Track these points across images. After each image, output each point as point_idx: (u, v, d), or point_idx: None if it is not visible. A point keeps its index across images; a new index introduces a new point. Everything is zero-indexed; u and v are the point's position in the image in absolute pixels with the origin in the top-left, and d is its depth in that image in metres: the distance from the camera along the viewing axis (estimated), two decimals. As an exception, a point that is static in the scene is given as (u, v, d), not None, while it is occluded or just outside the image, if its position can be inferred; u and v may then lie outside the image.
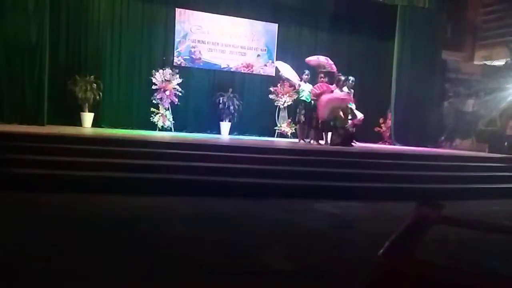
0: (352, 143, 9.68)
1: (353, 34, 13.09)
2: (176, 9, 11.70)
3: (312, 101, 9.62)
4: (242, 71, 12.46)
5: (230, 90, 11.71)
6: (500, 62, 13.38)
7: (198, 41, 11.97)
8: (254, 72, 12.52)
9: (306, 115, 9.71)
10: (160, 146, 7.28)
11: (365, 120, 10.75)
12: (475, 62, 13.93)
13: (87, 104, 10.52)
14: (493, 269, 3.30)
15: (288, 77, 10.47)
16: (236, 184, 6.07)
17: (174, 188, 5.69)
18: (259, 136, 11.74)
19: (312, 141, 10.08)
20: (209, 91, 11.66)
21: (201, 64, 11.79)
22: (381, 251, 1.44)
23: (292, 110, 10.77)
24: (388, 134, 12.59)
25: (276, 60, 12.46)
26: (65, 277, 2.75)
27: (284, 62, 12.28)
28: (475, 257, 3.72)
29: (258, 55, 12.61)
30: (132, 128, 10.83)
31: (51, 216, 4.27)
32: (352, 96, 9.95)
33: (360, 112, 10.25)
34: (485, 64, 13.69)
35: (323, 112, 9.17)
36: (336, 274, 3.13)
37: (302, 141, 10.12)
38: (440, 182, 7.43)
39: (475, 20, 14.04)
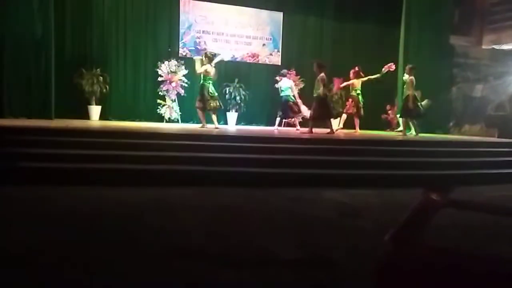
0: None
1: (359, 21, 12.95)
2: (180, -1, 11.67)
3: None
4: (248, 61, 12.42)
5: (236, 80, 11.68)
6: (509, 46, 13.18)
7: (203, 31, 11.93)
8: (259, 62, 12.48)
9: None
10: (168, 137, 7.29)
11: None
12: (484, 47, 13.73)
13: (94, 97, 10.57)
14: (501, 253, 3.29)
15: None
16: (243, 173, 6.07)
17: (182, 179, 5.71)
18: (266, 125, 11.71)
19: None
20: (215, 81, 11.62)
21: (207, 54, 11.75)
22: (389, 236, 1.44)
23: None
24: (395, 121, 12.50)
25: (282, 48, 12.43)
26: (75, 270, 2.78)
27: (290, 51, 12.28)
28: (482, 241, 3.70)
29: (264, 45, 12.55)
30: (139, 120, 10.86)
31: (59, 209, 4.31)
32: None
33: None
34: (493, 48, 13.51)
35: None
36: (345, 261, 3.13)
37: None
38: (449, 168, 7.39)
39: (483, 4, 13.82)
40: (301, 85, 11.46)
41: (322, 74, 9.10)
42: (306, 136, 8.60)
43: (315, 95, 9.18)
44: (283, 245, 3.43)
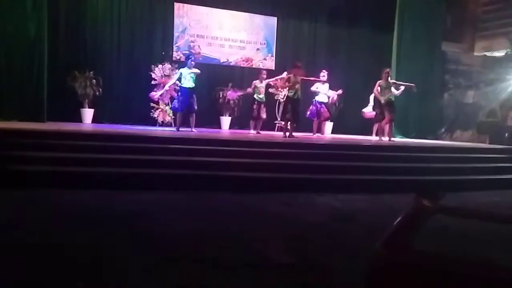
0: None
1: (352, 27, 13.05)
2: (175, 3, 11.68)
3: None
4: (242, 65, 12.44)
5: (230, 84, 11.69)
6: (500, 53, 13.33)
7: (197, 35, 11.95)
8: (253, 66, 12.50)
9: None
10: (160, 141, 7.28)
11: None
12: (475, 53, 13.88)
13: (87, 100, 10.53)
14: (493, 259, 3.31)
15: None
16: (236, 178, 6.08)
17: (175, 183, 5.70)
18: (260, 130, 11.71)
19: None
20: (208, 85, 11.62)
21: (200, 58, 11.76)
22: (380, 241, 1.44)
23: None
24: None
25: (276, 53, 12.48)
26: (65, 273, 2.76)
27: (284, 55, 12.32)
28: (474, 247, 3.72)
29: (258, 49, 12.59)
30: (132, 124, 10.83)
31: (51, 213, 4.28)
32: None
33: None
34: (485, 55, 13.66)
35: None
36: (337, 266, 3.14)
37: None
38: (440, 173, 7.44)
39: (475, 11, 13.98)
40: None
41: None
42: (295, 140, 8.61)
43: (294, 97, 9.24)
44: (275, 250, 3.43)
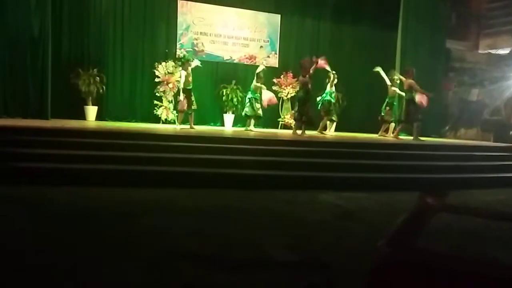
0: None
1: (356, 24, 13.00)
2: (178, 1, 11.65)
3: None
4: (245, 63, 12.41)
5: (233, 82, 11.68)
6: (504, 51, 13.27)
7: (201, 33, 11.93)
8: (257, 64, 12.44)
9: None
10: (164, 138, 7.28)
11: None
12: (480, 51, 13.82)
13: (90, 98, 10.53)
14: (496, 257, 3.30)
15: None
16: (239, 175, 6.08)
17: (178, 180, 5.70)
18: (263, 127, 11.70)
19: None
20: (212, 83, 11.62)
21: (204, 56, 11.74)
22: (384, 240, 1.44)
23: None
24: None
25: (279, 50, 12.46)
26: (68, 272, 2.76)
27: (287, 53, 12.29)
28: (478, 246, 3.71)
29: (261, 47, 12.56)
30: (135, 121, 10.84)
31: (55, 210, 4.29)
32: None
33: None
34: (489, 53, 13.59)
35: None
36: (340, 264, 3.13)
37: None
38: (445, 171, 7.41)
39: (480, 8, 13.91)
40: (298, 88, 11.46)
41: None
42: (298, 138, 8.63)
43: (307, 96, 9.37)
44: (278, 247, 3.43)
